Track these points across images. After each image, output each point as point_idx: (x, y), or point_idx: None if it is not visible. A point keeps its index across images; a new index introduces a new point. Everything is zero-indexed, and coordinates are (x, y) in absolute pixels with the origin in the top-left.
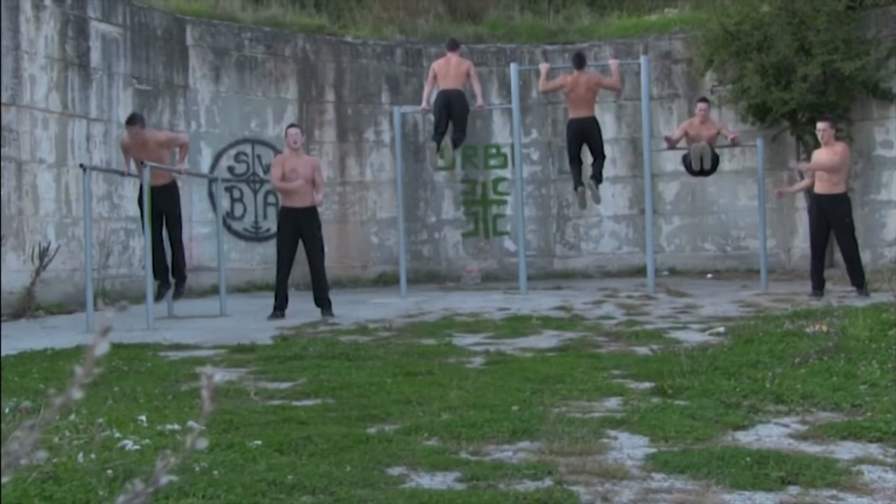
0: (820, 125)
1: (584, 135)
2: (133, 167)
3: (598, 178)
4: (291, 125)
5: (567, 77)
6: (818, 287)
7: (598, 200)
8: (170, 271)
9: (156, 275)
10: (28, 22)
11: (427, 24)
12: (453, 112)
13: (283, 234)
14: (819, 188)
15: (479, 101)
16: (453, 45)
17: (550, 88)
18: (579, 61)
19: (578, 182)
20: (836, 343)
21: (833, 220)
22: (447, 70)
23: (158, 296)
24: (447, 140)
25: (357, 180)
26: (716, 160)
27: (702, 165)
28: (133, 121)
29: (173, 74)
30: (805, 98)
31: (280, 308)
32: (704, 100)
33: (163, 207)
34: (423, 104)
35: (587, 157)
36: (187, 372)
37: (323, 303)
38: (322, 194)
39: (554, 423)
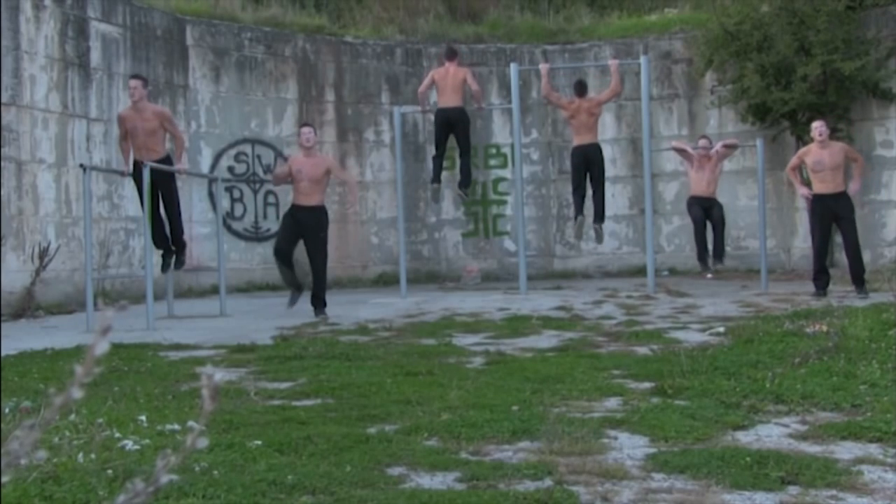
0: (817, 124)
1: (588, 163)
2: (128, 169)
3: (601, 217)
4: (305, 124)
5: (570, 103)
6: (822, 287)
7: (600, 241)
8: (170, 241)
9: (157, 245)
10: (28, 22)
11: (427, 24)
12: (455, 129)
13: (284, 224)
14: (824, 188)
15: (479, 103)
16: (451, 54)
17: (553, 101)
18: (581, 89)
19: (579, 211)
20: (836, 343)
21: (841, 216)
22: (445, 81)
23: (164, 266)
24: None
25: (357, 180)
26: (720, 214)
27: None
28: (137, 76)
29: (173, 74)
30: (805, 98)
31: (296, 291)
32: (705, 137)
33: (158, 182)
34: (420, 106)
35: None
36: (187, 372)
37: (317, 301)
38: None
39: (554, 423)
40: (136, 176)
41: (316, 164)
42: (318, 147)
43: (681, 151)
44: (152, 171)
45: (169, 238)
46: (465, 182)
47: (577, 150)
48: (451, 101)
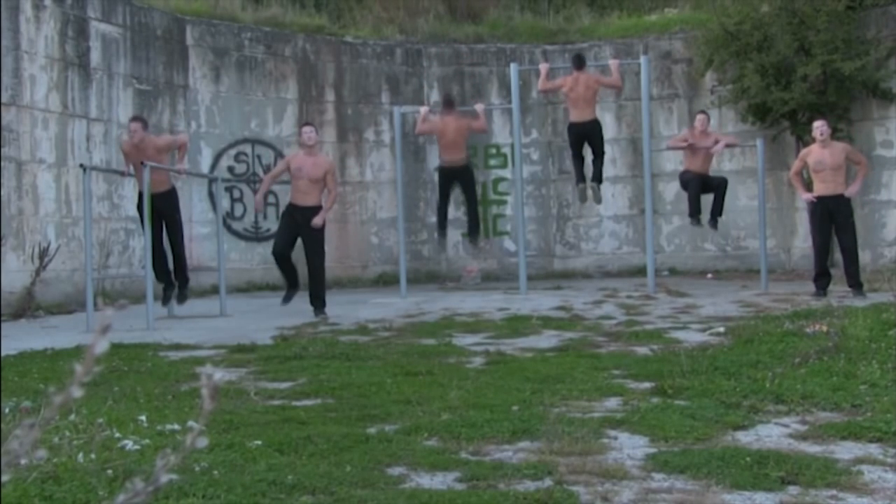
0: (818, 123)
1: (586, 137)
2: (133, 172)
3: (598, 178)
4: (306, 123)
5: (567, 78)
6: (823, 288)
7: (598, 200)
8: (172, 274)
9: (158, 278)
10: (28, 22)
11: (427, 24)
12: (461, 184)
13: (282, 224)
14: (824, 189)
15: (481, 120)
16: (449, 104)
17: (550, 88)
18: (579, 62)
19: (580, 178)
20: (836, 343)
21: (840, 219)
22: (446, 135)
23: (165, 299)
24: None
25: (357, 180)
26: (719, 189)
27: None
28: (137, 118)
29: (173, 74)
30: (805, 98)
31: (292, 286)
32: (703, 112)
33: (163, 213)
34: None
35: (588, 152)
36: (187, 372)
37: (316, 302)
38: (332, 201)
39: (554, 423)
40: (140, 206)
41: (316, 163)
42: (318, 147)
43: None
44: (157, 201)
45: (171, 272)
46: (475, 231)
47: (573, 127)
48: (453, 158)
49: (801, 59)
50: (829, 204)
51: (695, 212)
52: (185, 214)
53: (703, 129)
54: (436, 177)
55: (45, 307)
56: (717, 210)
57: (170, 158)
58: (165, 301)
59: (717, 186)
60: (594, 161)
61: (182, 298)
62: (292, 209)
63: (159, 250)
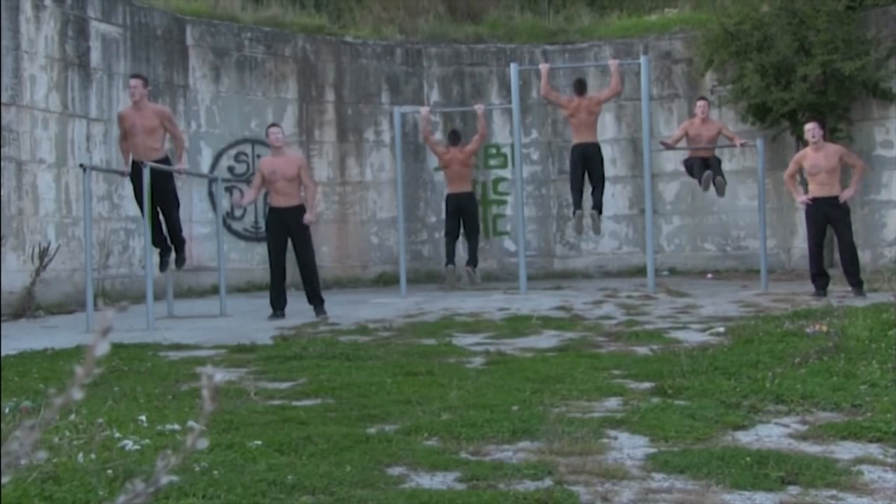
0: (810, 126)
1: (587, 161)
2: (128, 170)
3: (598, 208)
4: (271, 124)
5: (570, 102)
6: (822, 288)
7: (597, 231)
8: (168, 239)
9: (155, 244)
10: (28, 22)
11: (427, 24)
12: (465, 216)
13: (272, 235)
14: (820, 191)
15: (480, 129)
16: (455, 139)
17: (552, 99)
18: (580, 88)
19: (578, 206)
20: (836, 343)
21: (836, 221)
22: (452, 167)
23: (162, 264)
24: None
25: (357, 180)
26: (718, 166)
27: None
28: (138, 75)
29: (173, 74)
30: (805, 98)
31: (279, 308)
32: (704, 98)
33: (155, 182)
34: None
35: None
36: (187, 372)
37: (315, 301)
38: (313, 195)
39: (554, 423)
40: (135, 176)
41: (288, 161)
42: (286, 147)
43: (674, 143)
44: (151, 172)
45: (167, 237)
46: (474, 262)
47: (576, 149)
48: (459, 187)
49: (801, 59)
50: (824, 206)
51: (700, 177)
52: (184, 214)
53: (704, 116)
54: (443, 204)
55: (45, 307)
56: (722, 178)
57: (163, 135)
58: (163, 267)
59: (712, 166)
60: (594, 192)
61: (180, 262)
62: (277, 213)
63: (155, 220)
